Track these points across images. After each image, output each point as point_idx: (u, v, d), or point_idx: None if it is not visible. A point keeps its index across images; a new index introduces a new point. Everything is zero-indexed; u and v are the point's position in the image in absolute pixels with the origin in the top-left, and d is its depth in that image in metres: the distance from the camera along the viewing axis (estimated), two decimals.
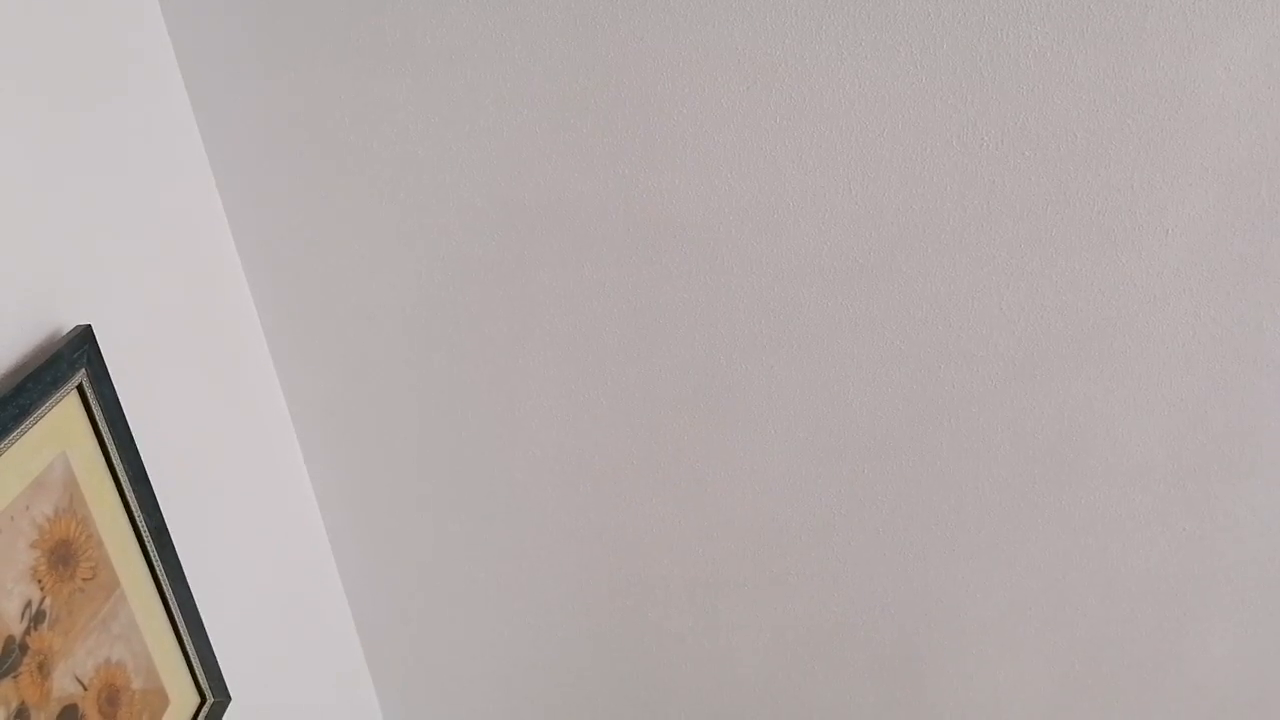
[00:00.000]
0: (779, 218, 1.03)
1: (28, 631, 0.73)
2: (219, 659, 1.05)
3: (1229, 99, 0.91)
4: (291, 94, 1.01)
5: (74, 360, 0.77)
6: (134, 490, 0.86)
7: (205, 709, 1.00)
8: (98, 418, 0.81)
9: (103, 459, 0.83)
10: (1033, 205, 0.99)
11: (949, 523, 1.23)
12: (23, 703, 0.72)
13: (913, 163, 0.98)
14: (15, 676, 0.71)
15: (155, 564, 0.90)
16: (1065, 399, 1.11)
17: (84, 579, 0.80)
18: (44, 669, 0.75)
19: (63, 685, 0.77)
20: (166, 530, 0.91)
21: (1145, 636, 1.30)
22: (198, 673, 0.98)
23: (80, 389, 0.79)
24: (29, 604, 0.73)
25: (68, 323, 0.80)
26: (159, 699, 0.92)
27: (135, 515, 0.87)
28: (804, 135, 0.98)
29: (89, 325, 0.80)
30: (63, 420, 0.77)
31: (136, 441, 0.88)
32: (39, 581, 0.74)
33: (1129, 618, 1.28)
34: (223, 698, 1.02)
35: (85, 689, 0.80)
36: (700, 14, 0.92)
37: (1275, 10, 0.87)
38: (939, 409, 1.14)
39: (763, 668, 1.43)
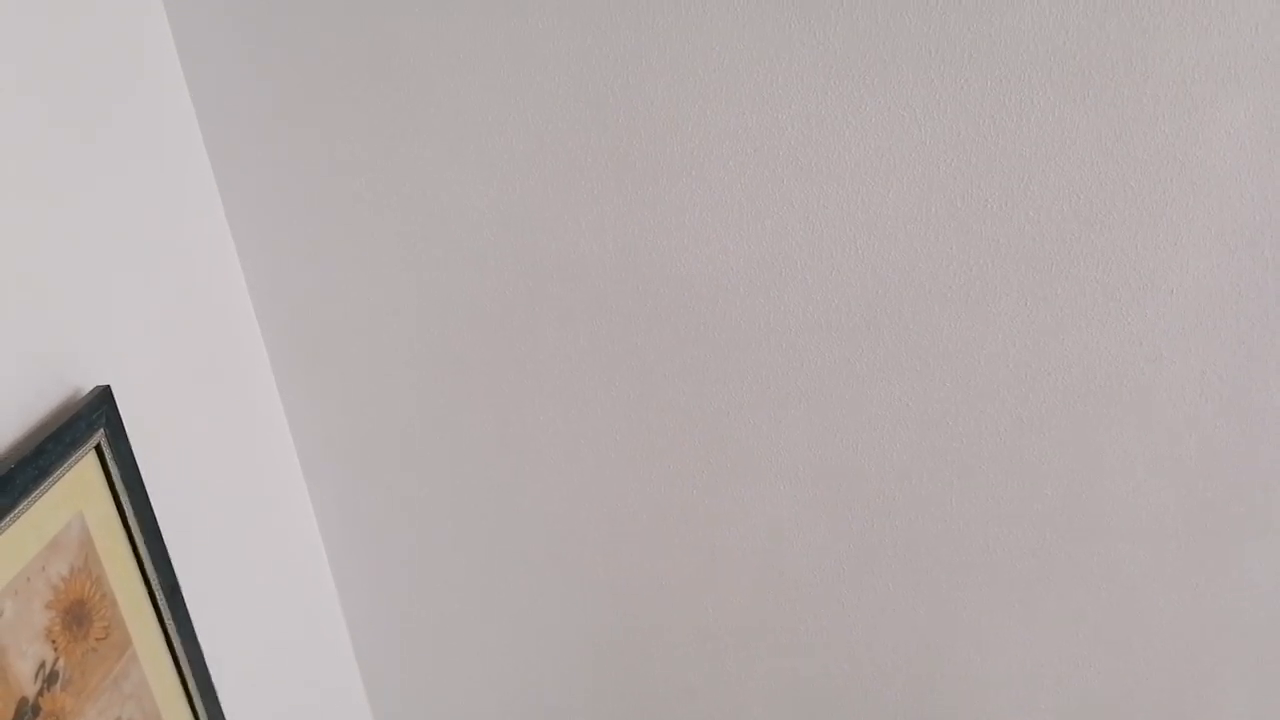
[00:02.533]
0: (786, 275, 1.04)
1: (41, 693, 0.73)
2: (227, 718, 1.04)
3: (1229, 162, 0.93)
4: (303, 135, 1.04)
5: (93, 420, 0.78)
6: (148, 548, 0.86)
7: None
8: (114, 477, 0.82)
9: (118, 517, 0.83)
10: (1036, 264, 1.00)
11: (958, 579, 1.22)
12: None
13: (917, 222, 1.00)
14: None
15: (167, 622, 0.90)
16: (1074, 456, 1.11)
17: (97, 639, 0.80)
18: None
19: None
20: (179, 588, 0.91)
21: (1159, 695, 1.28)
22: None
23: (98, 449, 0.80)
24: (43, 665, 0.73)
25: (87, 383, 0.81)
26: None
27: (149, 573, 0.87)
28: (810, 195, 1.00)
29: (108, 386, 0.81)
30: (80, 480, 0.78)
31: (151, 499, 0.88)
32: (53, 642, 0.75)
33: (1143, 676, 1.27)
34: None
35: None
36: (707, 79, 0.95)
37: (1272, 76, 0.89)
38: (947, 465, 1.14)
39: None
